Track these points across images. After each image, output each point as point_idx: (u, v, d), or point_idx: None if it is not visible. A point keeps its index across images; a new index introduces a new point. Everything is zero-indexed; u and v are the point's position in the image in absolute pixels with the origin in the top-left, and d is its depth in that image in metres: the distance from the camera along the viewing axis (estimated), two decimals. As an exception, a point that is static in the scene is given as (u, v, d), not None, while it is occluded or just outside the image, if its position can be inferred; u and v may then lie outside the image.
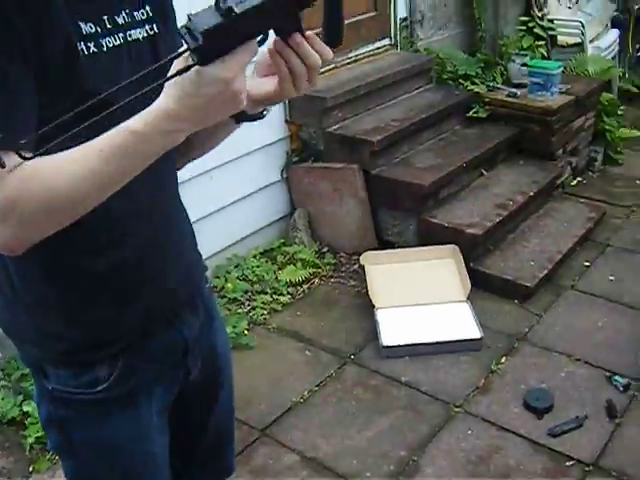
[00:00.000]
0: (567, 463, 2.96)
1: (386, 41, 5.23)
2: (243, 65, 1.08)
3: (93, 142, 1.11)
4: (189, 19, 1.03)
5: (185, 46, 1.04)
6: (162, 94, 1.10)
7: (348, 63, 4.87)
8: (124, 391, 1.48)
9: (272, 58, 1.19)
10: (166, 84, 1.09)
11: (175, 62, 1.08)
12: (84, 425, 1.49)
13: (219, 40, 1.04)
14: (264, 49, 1.19)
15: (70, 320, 1.42)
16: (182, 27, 1.04)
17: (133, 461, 1.56)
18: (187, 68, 1.05)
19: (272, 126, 4.35)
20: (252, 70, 1.27)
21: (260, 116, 1.36)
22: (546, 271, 4.08)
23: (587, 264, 4.36)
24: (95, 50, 1.23)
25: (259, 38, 1.11)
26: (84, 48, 1.21)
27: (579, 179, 5.40)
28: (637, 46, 7.33)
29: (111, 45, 1.26)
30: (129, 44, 1.30)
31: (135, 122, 1.10)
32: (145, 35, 1.34)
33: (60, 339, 1.42)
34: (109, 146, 1.11)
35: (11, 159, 1.07)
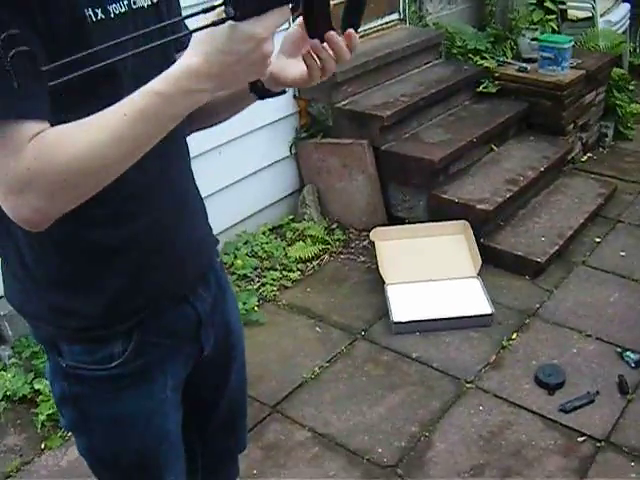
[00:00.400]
0: (579, 439, 2.95)
1: (395, 15, 5.18)
2: (275, 28, 1.05)
3: (115, 107, 1.08)
4: None
5: None
6: (187, 52, 1.06)
7: (357, 38, 4.83)
8: (139, 367, 1.47)
9: (306, 53, 1.21)
10: (192, 41, 1.06)
11: (202, 17, 1.04)
12: (99, 401, 1.49)
13: None
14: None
15: (85, 296, 1.40)
16: None
17: (148, 436, 1.56)
18: (222, 20, 1.01)
19: (280, 102, 4.31)
20: (278, 48, 1.26)
21: (281, 92, 1.37)
22: (557, 247, 4.06)
23: (598, 240, 4.33)
24: (102, 17, 1.20)
25: (291, 5, 1.07)
26: (92, 14, 1.18)
27: (590, 154, 5.37)
28: (648, 20, 7.27)
29: (117, 12, 1.24)
30: (134, 12, 1.28)
31: (158, 83, 1.07)
32: (149, 3, 1.32)
33: (75, 315, 1.41)
34: (133, 110, 1.07)
35: (28, 129, 1.05)
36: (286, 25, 1.12)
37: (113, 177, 1.13)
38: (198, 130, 1.56)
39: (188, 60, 1.06)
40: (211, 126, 1.57)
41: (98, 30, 1.19)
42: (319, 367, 3.39)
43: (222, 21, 1.02)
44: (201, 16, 1.03)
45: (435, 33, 5.16)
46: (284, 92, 1.37)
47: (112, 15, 1.23)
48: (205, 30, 1.03)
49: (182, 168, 1.52)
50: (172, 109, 1.09)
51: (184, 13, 1.14)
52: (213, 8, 1.03)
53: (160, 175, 1.39)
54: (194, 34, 1.05)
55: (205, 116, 1.45)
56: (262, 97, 1.37)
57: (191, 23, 1.08)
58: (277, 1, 1.04)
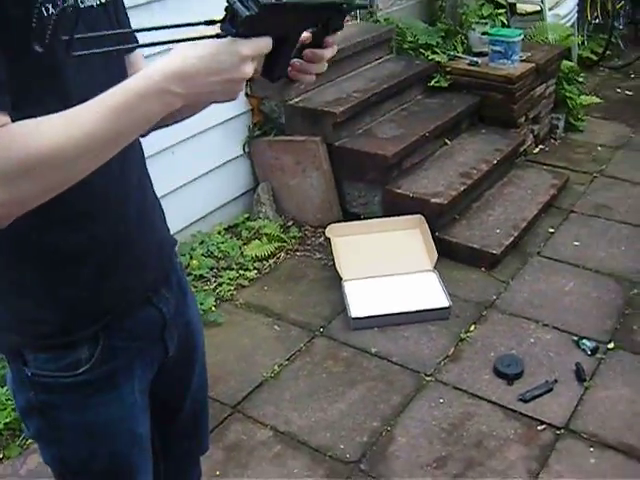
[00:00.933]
0: (539, 427, 2.98)
1: (345, 12, 5.17)
2: (261, 53, 1.11)
3: (88, 103, 1.06)
4: None
5: (238, 11, 1.04)
6: (169, 54, 1.07)
7: (308, 35, 4.82)
8: (106, 372, 1.45)
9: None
10: (179, 45, 1.08)
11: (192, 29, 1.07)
12: (67, 409, 1.46)
13: (265, 20, 1.07)
14: None
15: (47, 302, 1.38)
16: None
17: (119, 442, 1.53)
18: (220, 36, 1.06)
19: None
20: None
21: None
22: (512, 238, 4.09)
23: (552, 230, 4.38)
24: (54, 12, 1.18)
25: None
26: (44, 10, 1.16)
27: (542, 146, 5.43)
28: (595, 14, 7.37)
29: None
30: (82, 11, 1.25)
31: (134, 80, 1.07)
32: (98, 3, 1.31)
33: (38, 323, 1.38)
34: (106, 106, 1.06)
35: None
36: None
37: (77, 175, 1.11)
38: (157, 129, 1.54)
39: (168, 60, 1.07)
40: (171, 124, 1.55)
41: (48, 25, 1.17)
42: (278, 365, 3.37)
43: (221, 36, 1.07)
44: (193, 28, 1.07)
45: (386, 29, 5.17)
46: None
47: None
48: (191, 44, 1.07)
49: (140, 169, 1.50)
50: (145, 108, 1.08)
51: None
52: (214, 22, 1.08)
53: (120, 177, 1.37)
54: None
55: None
56: None
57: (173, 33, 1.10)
58: (271, 30, 1.11)
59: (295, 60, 1.28)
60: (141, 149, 1.51)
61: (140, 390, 1.53)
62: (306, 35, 1.25)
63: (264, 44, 1.10)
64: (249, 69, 1.09)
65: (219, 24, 1.07)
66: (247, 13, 1.03)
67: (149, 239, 1.50)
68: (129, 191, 1.42)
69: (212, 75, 1.07)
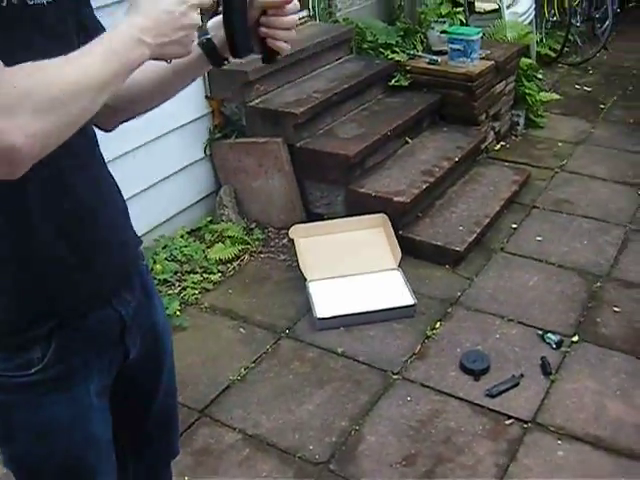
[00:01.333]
0: (506, 422, 2.99)
1: (304, 12, 5.17)
2: (204, 2, 1.26)
3: (83, 49, 1.16)
4: None
5: None
6: (129, 14, 1.21)
7: (267, 36, 4.81)
8: (60, 372, 1.43)
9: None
10: (132, 5, 1.22)
11: None
12: (21, 409, 1.44)
13: None
14: None
15: None
16: None
17: (73, 443, 1.51)
18: None
19: (193, 103, 4.27)
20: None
21: (222, 63, 1.47)
22: (475, 235, 4.11)
23: (514, 226, 4.40)
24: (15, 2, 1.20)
25: None
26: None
27: (503, 143, 5.46)
28: (552, 11, 7.45)
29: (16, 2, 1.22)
30: (30, 7, 1.25)
31: (115, 33, 1.19)
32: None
33: None
34: (98, 52, 1.16)
35: None
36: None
37: (87, 112, 1.16)
38: (148, 110, 1.59)
39: (135, 16, 1.20)
40: (159, 104, 1.58)
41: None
42: (245, 368, 3.35)
43: None
44: None
45: (345, 29, 5.17)
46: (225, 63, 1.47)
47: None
48: None
49: (97, 168, 1.49)
50: (127, 55, 1.18)
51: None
52: None
53: (76, 174, 1.37)
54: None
55: (154, 92, 1.52)
56: (216, 63, 1.46)
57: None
58: None
59: (260, 28, 1.39)
60: (97, 145, 1.50)
61: (97, 392, 1.51)
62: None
63: None
64: (196, 16, 1.25)
65: None
66: None
67: (108, 240, 1.48)
68: (85, 190, 1.40)
69: (168, 23, 1.22)
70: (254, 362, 3.39)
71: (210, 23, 1.40)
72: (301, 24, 5.09)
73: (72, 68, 1.13)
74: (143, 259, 1.68)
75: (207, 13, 1.33)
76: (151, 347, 1.65)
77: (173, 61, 1.32)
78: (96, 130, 1.50)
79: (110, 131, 1.57)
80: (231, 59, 1.45)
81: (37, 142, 1.09)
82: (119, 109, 1.47)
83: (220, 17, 1.38)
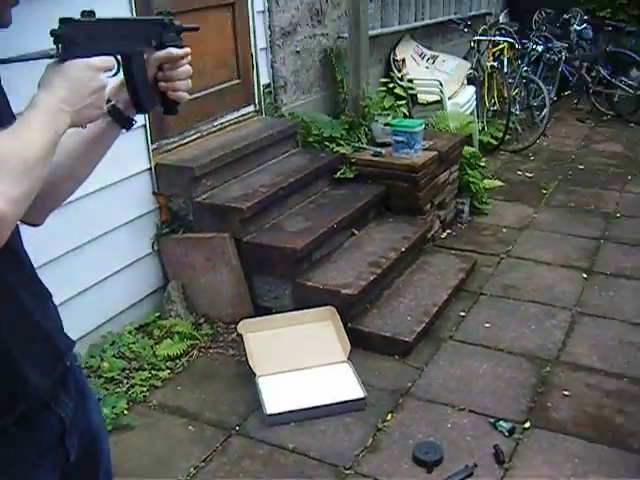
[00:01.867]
0: (460, 515, 2.95)
1: (251, 108, 5.27)
2: (106, 65, 1.38)
3: (22, 120, 1.27)
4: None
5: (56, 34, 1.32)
6: (44, 89, 1.31)
7: (214, 131, 4.88)
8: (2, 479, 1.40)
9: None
10: (43, 81, 1.32)
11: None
12: None
13: (92, 38, 1.36)
14: None
15: None
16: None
17: None
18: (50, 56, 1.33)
19: (140, 199, 4.27)
20: None
21: (130, 124, 1.58)
22: (423, 324, 4.12)
23: (463, 314, 4.43)
24: None
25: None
26: None
27: (449, 231, 5.54)
28: (492, 100, 7.68)
29: None
30: None
31: (40, 108, 1.28)
32: None
33: None
34: (35, 124, 1.26)
35: None
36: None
37: (45, 171, 1.28)
38: (72, 192, 1.62)
39: (49, 93, 1.30)
40: (82, 181, 1.62)
41: None
42: (194, 467, 3.27)
43: (50, 56, 1.33)
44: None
45: (291, 123, 5.26)
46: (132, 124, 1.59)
47: None
48: (52, 70, 1.32)
49: (25, 278, 1.48)
50: (56, 124, 1.29)
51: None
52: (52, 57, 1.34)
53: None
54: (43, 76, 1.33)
55: (76, 168, 1.56)
56: (124, 125, 1.56)
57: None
58: (107, 48, 1.39)
59: (160, 83, 1.53)
60: (24, 251, 1.49)
61: None
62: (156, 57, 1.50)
63: (107, 58, 1.39)
64: (105, 78, 1.37)
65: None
66: (59, 31, 1.31)
67: (37, 344, 1.46)
68: (8, 302, 1.38)
69: (82, 90, 1.33)
70: (204, 461, 3.31)
71: (107, 91, 1.45)
72: (247, 119, 5.17)
73: (25, 138, 1.24)
74: (76, 360, 1.66)
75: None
76: (88, 448, 1.63)
77: (87, 131, 1.44)
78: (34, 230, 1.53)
79: (39, 225, 1.59)
80: (136, 117, 1.58)
81: (18, 207, 1.19)
82: (46, 197, 1.46)
83: (115, 83, 1.52)
